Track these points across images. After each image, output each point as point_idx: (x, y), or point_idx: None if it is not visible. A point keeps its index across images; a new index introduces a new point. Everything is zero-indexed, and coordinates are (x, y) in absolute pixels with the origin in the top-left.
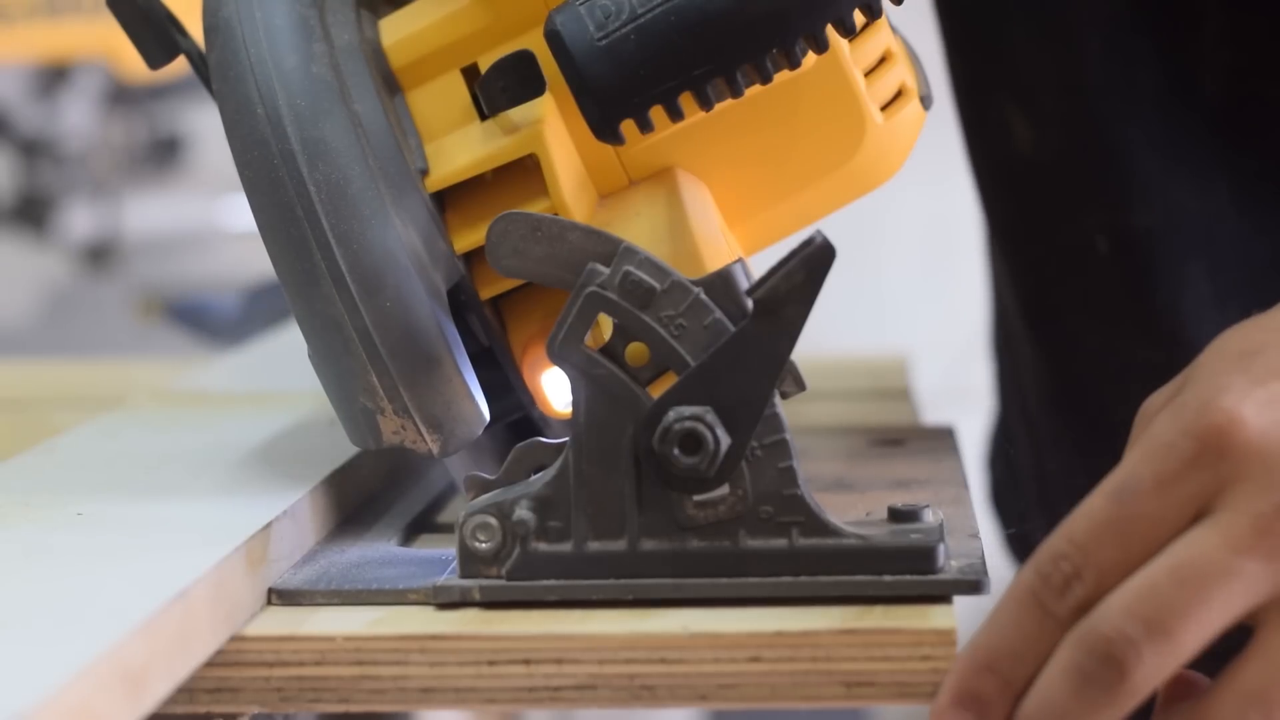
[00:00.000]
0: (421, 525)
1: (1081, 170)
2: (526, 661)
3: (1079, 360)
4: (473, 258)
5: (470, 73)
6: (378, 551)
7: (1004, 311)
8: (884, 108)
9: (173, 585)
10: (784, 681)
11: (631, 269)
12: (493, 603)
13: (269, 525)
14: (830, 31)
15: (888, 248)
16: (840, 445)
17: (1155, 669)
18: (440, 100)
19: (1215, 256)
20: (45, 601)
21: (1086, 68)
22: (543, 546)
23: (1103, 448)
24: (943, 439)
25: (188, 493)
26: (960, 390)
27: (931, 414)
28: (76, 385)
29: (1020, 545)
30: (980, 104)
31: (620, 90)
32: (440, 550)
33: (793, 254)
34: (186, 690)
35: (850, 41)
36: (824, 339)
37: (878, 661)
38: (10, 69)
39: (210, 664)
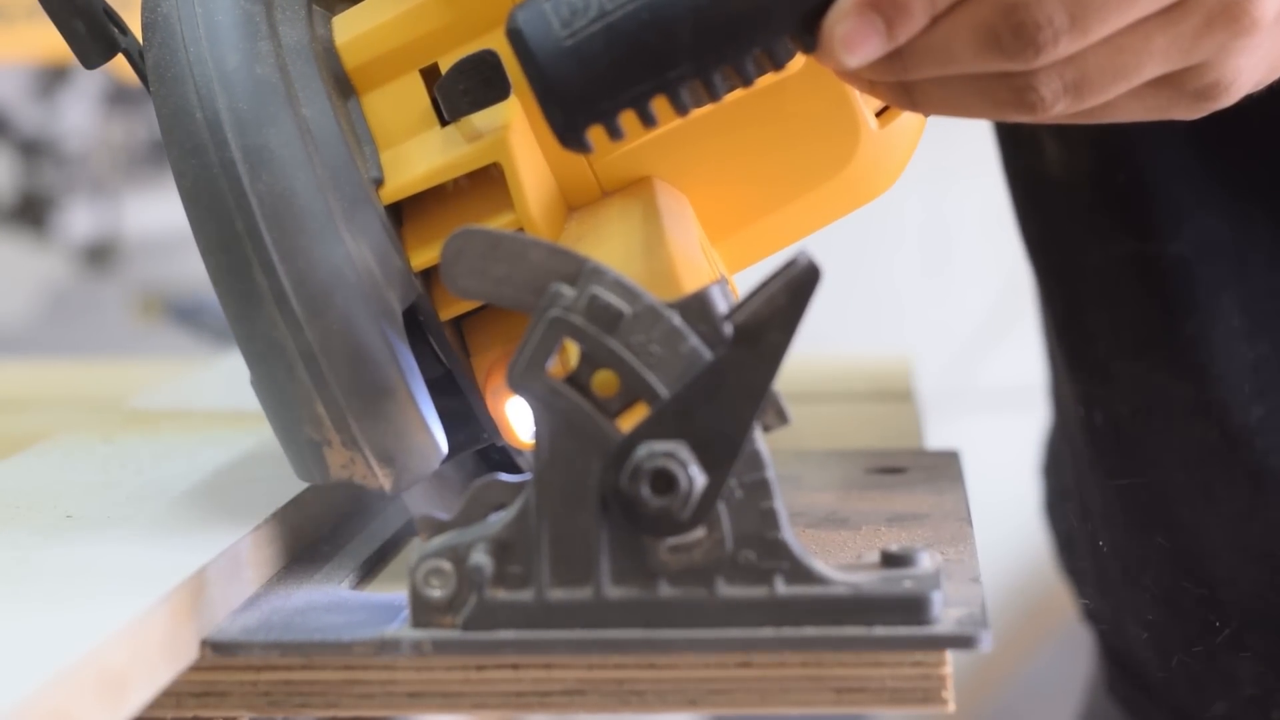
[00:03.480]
0: (385, 555)
1: (1111, 195)
2: (514, 666)
3: (1108, 388)
4: (431, 275)
5: (430, 74)
6: (326, 595)
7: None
8: (879, 114)
9: (154, 591)
10: (774, 687)
11: (598, 291)
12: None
13: (203, 570)
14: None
15: (888, 248)
16: (835, 473)
17: (1058, 59)
18: (397, 104)
19: (1249, 288)
20: (27, 603)
21: None
22: (501, 594)
23: (1134, 477)
24: (947, 466)
25: (119, 531)
26: (961, 390)
27: (932, 415)
28: (76, 385)
29: (1070, 562)
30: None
31: (587, 94)
32: (395, 594)
33: (775, 275)
34: (173, 695)
35: None
36: (823, 340)
37: (868, 667)
38: (10, 69)
39: (196, 668)
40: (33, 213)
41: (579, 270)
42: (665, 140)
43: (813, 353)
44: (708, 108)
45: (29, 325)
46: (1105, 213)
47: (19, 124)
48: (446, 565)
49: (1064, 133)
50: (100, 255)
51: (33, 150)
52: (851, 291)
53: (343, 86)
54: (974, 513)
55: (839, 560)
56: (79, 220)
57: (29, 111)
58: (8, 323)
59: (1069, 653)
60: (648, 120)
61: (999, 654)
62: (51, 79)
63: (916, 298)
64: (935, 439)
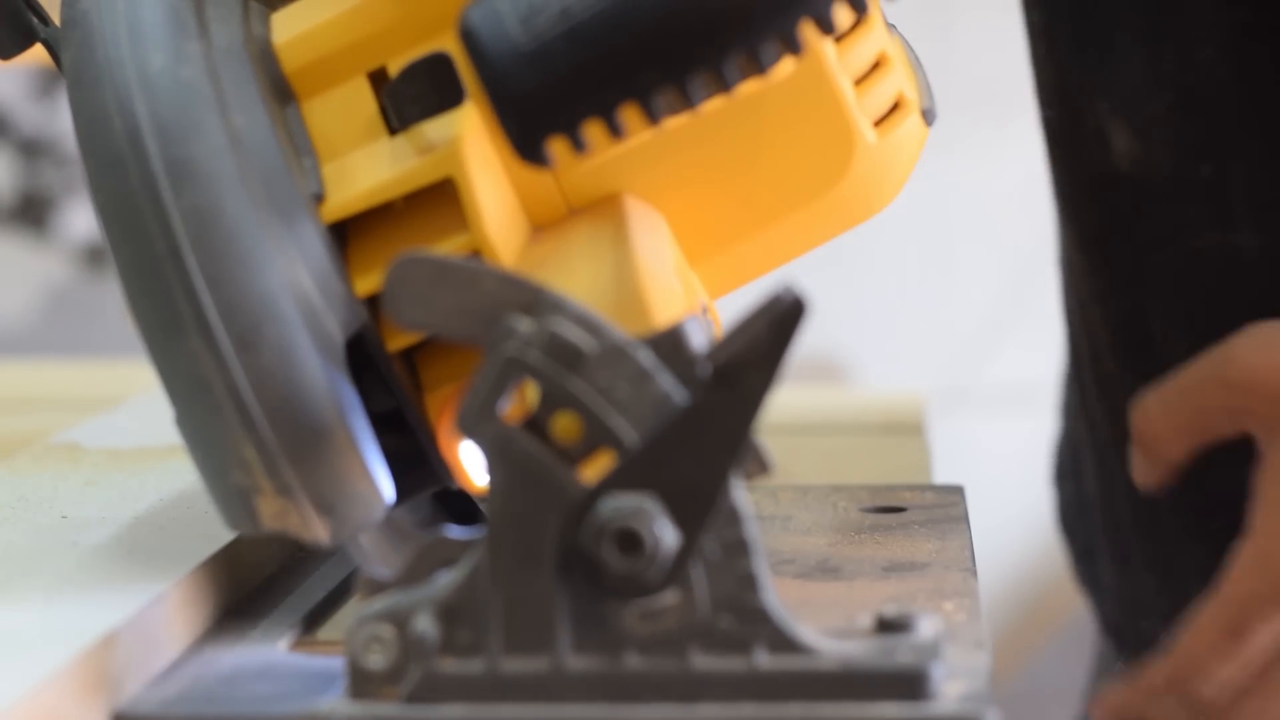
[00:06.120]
0: (334, 602)
1: (1188, 187)
2: None
3: None
4: (379, 302)
5: (379, 79)
6: (258, 657)
7: (1078, 332)
8: (877, 123)
9: (55, 658)
10: None
11: (558, 325)
12: None
13: (115, 633)
14: (811, 31)
15: (887, 246)
16: (829, 513)
17: None
18: (342, 111)
19: None
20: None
21: (1200, 76)
22: (449, 664)
23: (1191, 486)
24: (950, 505)
25: (23, 583)
26: (961, 390)
27: (932, 415)
28: (76, 385)
29: (1087, 575)
30: (1075, 111)
31: (547, 101)
32: (334, 658)
33: (758, 311)
34: None
35: (836, 43)
36: (823, 339)
37: None
38: (10, 69)
39: None
40: (33, 213)
41: (536, 301)
42: (637, 153)
43: (823, 390)
44: (684, 117)
45: (29, 325)
46: (1180, 205)
47: (19, 124)
48: (387, 631)
49: (1136, 123)
50: (100, 255)
51: (33, 150)
52: (850, 290)
53: (281, 92)
54: (974, 512)
55: (829, 620)
56: (79, 220)
57: (29, 111)
58: (8, 323)
59: (1069, 653)
60: (615, 131)
61: (999, 654)
62: (51, 79)
63: (917, 297)
64: (935, 439)
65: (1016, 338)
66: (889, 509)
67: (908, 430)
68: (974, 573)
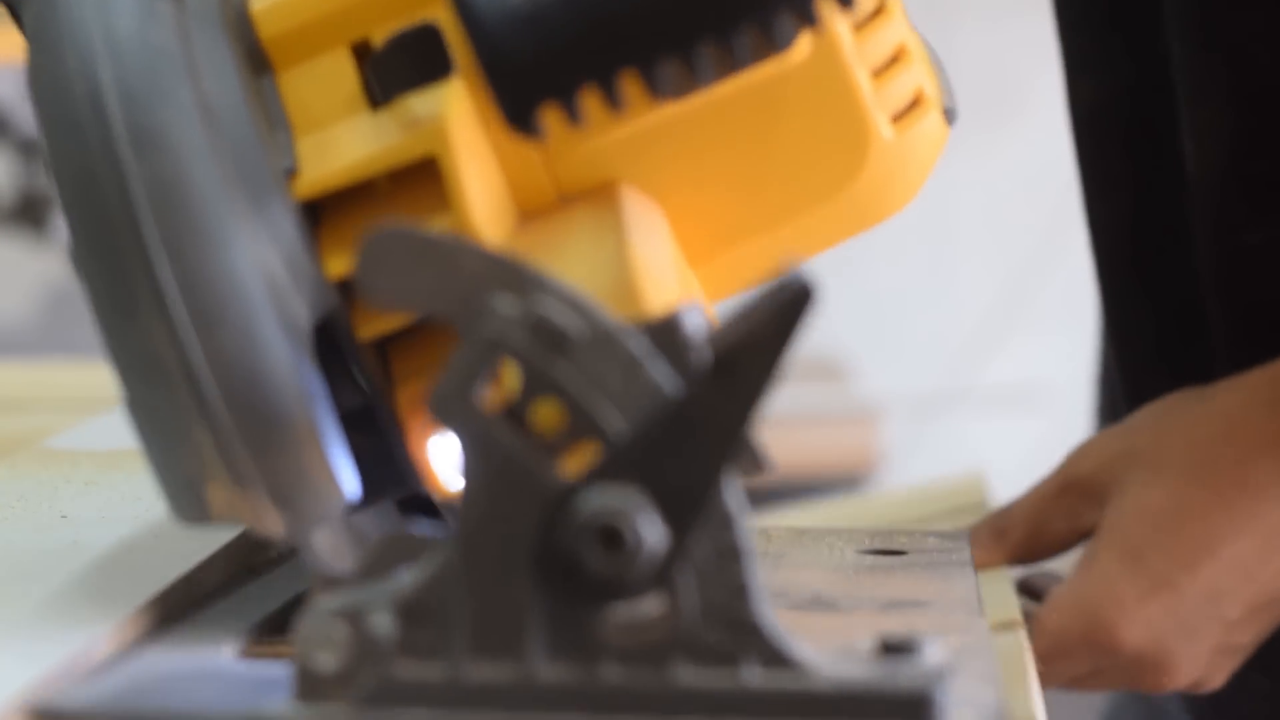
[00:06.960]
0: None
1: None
2: None
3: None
4: (352, 286)
5: (362, 50)
6: (202, 661)
7: (1119, 331)
8: (895, 119)
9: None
10: None
11: (544, 306)
12: None
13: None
14: (828, 3)
15: (888, 245)
16: (823, 552)
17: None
18: (321, 83)
19: None
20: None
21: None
22: (408, 667)
23: None
24: (956, 550)
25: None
26: (961, 390)
27: (932, 415)
28: (76, 385)
29: None
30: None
31: (542, 65)
32: (285, 663)
33: (762, 298)
34: None
35: (854, 31)
36: (822, 337)
37: None
38: (10, 69)
39: None
40: (33, 213)
41: (521, 280)
42: (636, 139)
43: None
44: (688, 101)
45: (29, 325)
46: (1237, 202)
47: (19, 124)
48: (341, 629)
49: (1195, 124)
50: None
51: (33, 150)
52: (850, 288)
53: (256, 60)
54: None
55: (825, 647)
56: None
57: (29, 111)
58: (8, 323)
59: None
60: (614, 101)
61: None
62: None
63: (917, 296)
64: (935, 439)
65: (1016, 337)
66: (890, 551)
67: (972, 510)
68: (981, 614)
